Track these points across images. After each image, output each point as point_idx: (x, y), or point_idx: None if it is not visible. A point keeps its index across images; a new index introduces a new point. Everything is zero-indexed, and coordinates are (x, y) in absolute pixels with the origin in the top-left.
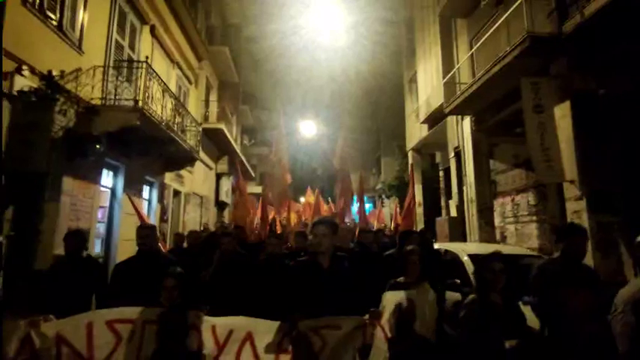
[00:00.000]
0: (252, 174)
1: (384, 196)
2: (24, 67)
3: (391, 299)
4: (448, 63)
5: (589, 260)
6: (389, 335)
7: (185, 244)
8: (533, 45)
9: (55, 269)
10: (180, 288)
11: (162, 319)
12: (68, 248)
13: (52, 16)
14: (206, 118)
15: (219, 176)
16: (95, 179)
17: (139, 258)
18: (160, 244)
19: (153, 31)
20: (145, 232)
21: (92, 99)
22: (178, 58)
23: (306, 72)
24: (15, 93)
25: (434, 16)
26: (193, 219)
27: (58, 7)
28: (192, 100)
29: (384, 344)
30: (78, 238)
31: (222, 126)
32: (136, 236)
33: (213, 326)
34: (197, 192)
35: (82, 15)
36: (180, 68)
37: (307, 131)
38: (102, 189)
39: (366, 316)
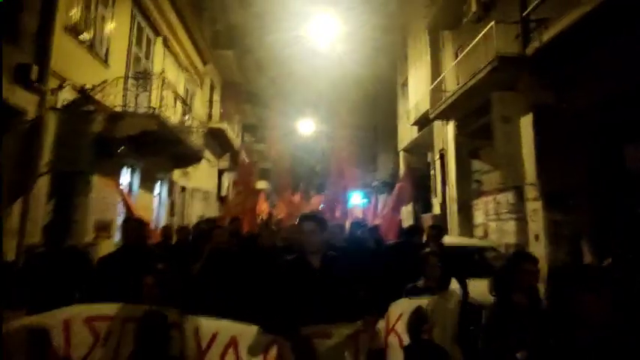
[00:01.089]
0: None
1: (378, 193)
2: (65, 83)
3: (409, 304)
4: (435, 71)
5: (541, 250)
6: (404, 343)
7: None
8: (502, 64)
9: (36, 262)
10: (162, 286)
11: (142, 317)
12: (49, 241)
13: (86, 37)
14: (210, 118)
15: (220, 172)
16: (117, 176)
17: (124, 252)
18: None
19: (165, 41)
20: (132, 225)
21: (115, 106)
22: (187, 63)
23: (306, 74)
24: (60, 106)
25: (424, 26)
26: (197, 213)
27: (91, 28)
28: (198, 101)
29: (400, 352)
30: (58, 229)
31: (224, 126)
32: (122, 229)
33: (197, 328)
34: (201, 187)
35: (108, 33)
36: (188, 72)
37: (306, 129)
38: (122, 185)
39: (359, 323)
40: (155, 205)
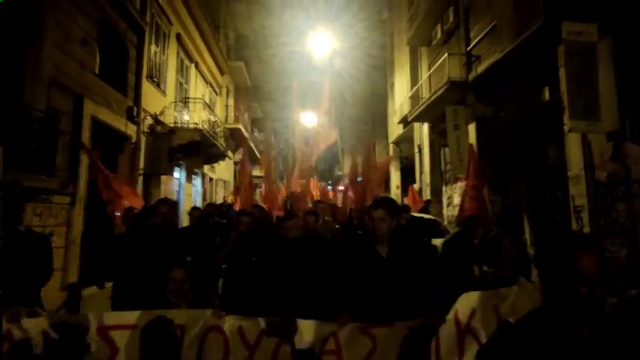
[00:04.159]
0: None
1: None
2: (148, 115)
3: (481, 298)
4: (414, 79)
5: None
6: (482, 341)
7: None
8: (452, 86)
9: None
10: (192, 280)
11: (171, 322)
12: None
13: (155, 79)
14: (226, 119)
15: (236, 164)
16: (173, 173)
17: (151, 232)
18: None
19: (197, 66)
20: (163, 208)
21: (170, 123)
22: (211, 79)
23: (310, 72)
24: (147, 130)
25: (405, 42)
26: (220, 198)
27: (157, 72)
28: (219, 107)
29: (475, 347)
30: (12, 209)
31: (239, 126)
32: (155, 211)
33: (240, 326)
34: (222, 178)
35: (165, 71)
36: (211, 86)
37: (309, 121)
38: (175, 179)
39: (424, 319)
40: (193, 193)
